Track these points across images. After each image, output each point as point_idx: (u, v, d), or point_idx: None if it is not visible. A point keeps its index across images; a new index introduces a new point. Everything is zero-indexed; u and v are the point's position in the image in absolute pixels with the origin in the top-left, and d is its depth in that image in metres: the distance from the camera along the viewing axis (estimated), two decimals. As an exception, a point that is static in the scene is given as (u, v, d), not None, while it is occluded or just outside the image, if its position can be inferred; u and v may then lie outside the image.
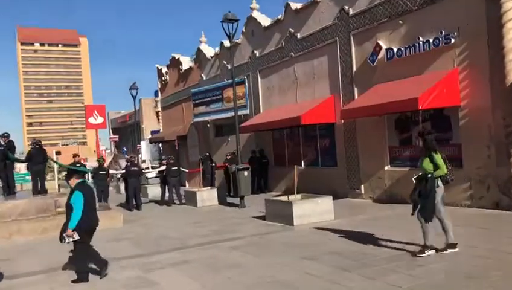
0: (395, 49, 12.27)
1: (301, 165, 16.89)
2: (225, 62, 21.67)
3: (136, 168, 15.91)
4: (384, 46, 12.66)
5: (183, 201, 16.62)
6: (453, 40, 10.75)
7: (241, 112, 20.18)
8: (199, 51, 24.48)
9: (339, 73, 14.44)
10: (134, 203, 15.72)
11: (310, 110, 14.51)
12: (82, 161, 16.39)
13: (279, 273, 6.41)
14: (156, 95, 40.77)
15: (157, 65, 30.90)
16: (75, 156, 16.17)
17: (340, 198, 14.00)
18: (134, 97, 26.70)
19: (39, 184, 14.25)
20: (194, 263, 7.44)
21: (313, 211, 10.46)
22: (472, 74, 10.45)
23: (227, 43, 21.55)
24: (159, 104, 31.01)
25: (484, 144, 10.27)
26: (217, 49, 22.67)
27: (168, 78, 29.18)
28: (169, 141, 28.02)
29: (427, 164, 6.71)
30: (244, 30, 19.97)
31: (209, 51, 23.90)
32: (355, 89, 13.86)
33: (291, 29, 16.60)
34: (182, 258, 7.84)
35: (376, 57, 12.90)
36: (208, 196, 15.69)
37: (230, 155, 18.18)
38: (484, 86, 10.20)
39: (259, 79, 19.12)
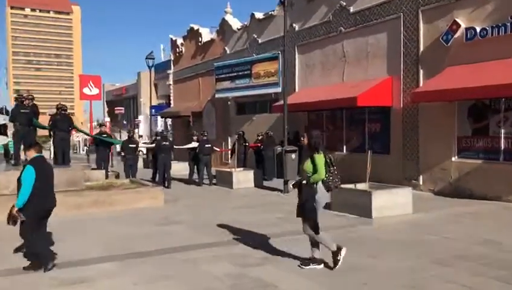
0: (478, 29, 11.06)
1: (343, 151, 15.76)
2: (255, 35, 20.25)
3: (167, 143, 14.56)
4: (463, 25, 11.43)
5: (214, 181, 15.37)
6: (558, 21, 9.60)
7: (271, 90, 19.04)
8: (223, 22, 22.97)
9: (401, 52, 13.20)
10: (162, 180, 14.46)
11: (367, 91, 13.28)
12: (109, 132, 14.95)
13: (425, 282, 5.24)
14: (157, 68, 38.83)
15: (171, 36, 29.28)
16: (101, 125, 14.73)
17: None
18: (150, 67, 25.19)
19: (62, 154, 12.89)
20: (291, 261, 6.24)
21: (394, 202, 9.32)
22: None
23: (258, 15, 20.23)
24: (170, 77, 29.39)
25: None
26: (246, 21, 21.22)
27: (183, 50, 27.61)
28: (182, 117, 26.59)
29: (308, 166, 5.74)
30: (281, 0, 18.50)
31: (234, 23, 22.42)
32: (421, 71, 12.66)
33: (342, 2, 15.24)
34: (275, 252, 6.63)
35: (452, 36, 11.68)
36: (244, 178, 14.46)
37: (263, 135, 16.93)
38: None
39: (296, 55, 17.77)
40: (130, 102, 60.66)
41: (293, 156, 12.89)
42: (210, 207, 11.10)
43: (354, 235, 7.73)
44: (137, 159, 14.87)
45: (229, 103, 22.42)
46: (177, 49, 28.21)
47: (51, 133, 12.92)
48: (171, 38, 29.21)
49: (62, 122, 12.95)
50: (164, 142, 14.45)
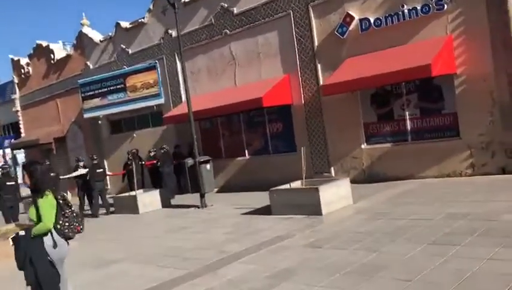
0: (372, 19, 11.61)
1: (245, 155, 15.34)
2: (123, 46, 18.71)
3: (12, 183, 12.36)
4: (356, 17, 11.91)
5: (112, 210, 13.66)
6: (446, 6, 10.49)
7: (152, 102, 17.86)
8: (82, 35, 20.79)
9: (295, 49, 13.28)
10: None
11: (270, 91, 13.06)
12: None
13: (452, 266, 5.01)
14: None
15: (11, 56, 25.70)
16: None
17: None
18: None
19: None
20: (306, 272, 5.55)
21: (338, 195, 9.16)
22: (469, 39, 10.29)
23: (125, 24, 18.80)
24: (17, 103, 25.68)
25: (486, 110, 10.21)
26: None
27: (30, 70, 24.39)
28: (40, 145, 23.40)
29: (31, 213, 4.61)
30: (151, 8, 17.42)
31: (95, 35, 20.48)
32: (319, 65, 12.87)
33: (224, 4, 14.83)
34: (273, 269, 5.83)
35: (347, 29, 12.09)
36: (150, 200, 13.10)
37: (157, 150, 15.64)
38: (484, 51, 10.11)
39: (177, 63, 16.84)
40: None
41: (208, 166, 12.05)
42: (138, 237, 9.65)
43: (323, 235, 7.27)
44: (18, 200, 12.37)
45: (99, 122, 20.36)
46: (22, 70, 24.80)
47: None
48: (12, 59, 25.61)
49: None
50: (8, 182, 12.11)
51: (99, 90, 19.21)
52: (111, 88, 18.81)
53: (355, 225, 7.64)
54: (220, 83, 15.45)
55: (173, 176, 15.16)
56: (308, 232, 7.56)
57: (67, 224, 4.56)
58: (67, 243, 4.66)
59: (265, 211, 9.87)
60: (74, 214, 4.71)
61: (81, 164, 13.89)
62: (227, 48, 15.11)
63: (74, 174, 13.66)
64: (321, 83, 12.77)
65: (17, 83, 25.61)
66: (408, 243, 6.10)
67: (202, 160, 12.02)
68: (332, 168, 12.99)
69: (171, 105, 17.16)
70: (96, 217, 13.21)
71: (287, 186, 9.85)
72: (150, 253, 7.85)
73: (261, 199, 11.84)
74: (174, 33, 16.69)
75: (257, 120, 14.89)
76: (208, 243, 7.93)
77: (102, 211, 13.61)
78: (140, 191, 13.86)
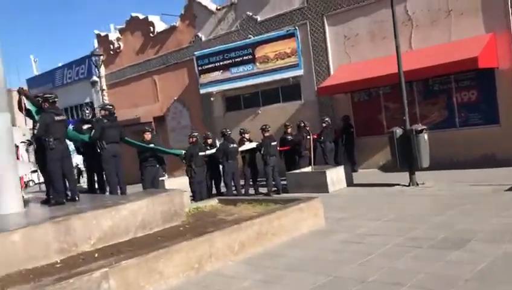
0: None
1: (418, 130, 13.40)
2: (250, 13, 16.89)
3: (235, 145, 10.68)
4: None
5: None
6: None
7: (288, 74, 16.04)
8: (192, 3, 19.01)
9: (506, 3, 11.34)
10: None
11: (484, 50, 11.14)
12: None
13: None
14: (32, 83, 31.90)
15: (97, 31, 24.01)
16: (144, 132, 10.18)
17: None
18: (96, 66, 20.06)
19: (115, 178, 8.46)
20: None
21: None
22: None
23: (250, -11, 16.95)
24: (102, 81, 23.99)
25: None
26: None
27: (121, 46, 22.70)
28: (135, 125, 21.65)
29: None
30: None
31: (208, 3, 18.69)
32: (541, 19, 10.96)
33: (400, -44, 12.93)
34: None
35: None
36: (336, 177, 11.30)
37: (306, 125, 13.59)
38: None
39: (326, 27, 14.96)
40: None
41: (426, 136, 10.13)
42: (413, 215, 7.57)
43: None
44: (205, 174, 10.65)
45: (212, 99, 18.57)
46: (112, 46, 23.12)
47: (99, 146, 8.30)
48: (98, 34, 23.97)
49: (111, 130, 8.47)
50: (232, 145, 10.54)
51: (221, 63, 17.44)
52: (236, 60, 17.02)
53: None
54: (387, 47, 13.42)
55: (333, 152, 13.39)
56: None
57: None
58: None
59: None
60: None
61: (247, 136, 12.09)
62: (401, 8, 13.16)
63: (244, 147, 11.84)
64: (545, 41, 10.85)
65: (103, 61, 23.91)
66: None
67: (419, 129, 10.11)
68: (556, 142, 11.05)
69: (314, 76, 15.33)
70: (269, 195, 11.40)
71: None
72: (488, 230, 5.97)
73: (469, 175, 10.22)
74: (323, -6, 14.88)
75: (438, 88, 12.98)
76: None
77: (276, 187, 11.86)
78: (309, 168, 12.08)
